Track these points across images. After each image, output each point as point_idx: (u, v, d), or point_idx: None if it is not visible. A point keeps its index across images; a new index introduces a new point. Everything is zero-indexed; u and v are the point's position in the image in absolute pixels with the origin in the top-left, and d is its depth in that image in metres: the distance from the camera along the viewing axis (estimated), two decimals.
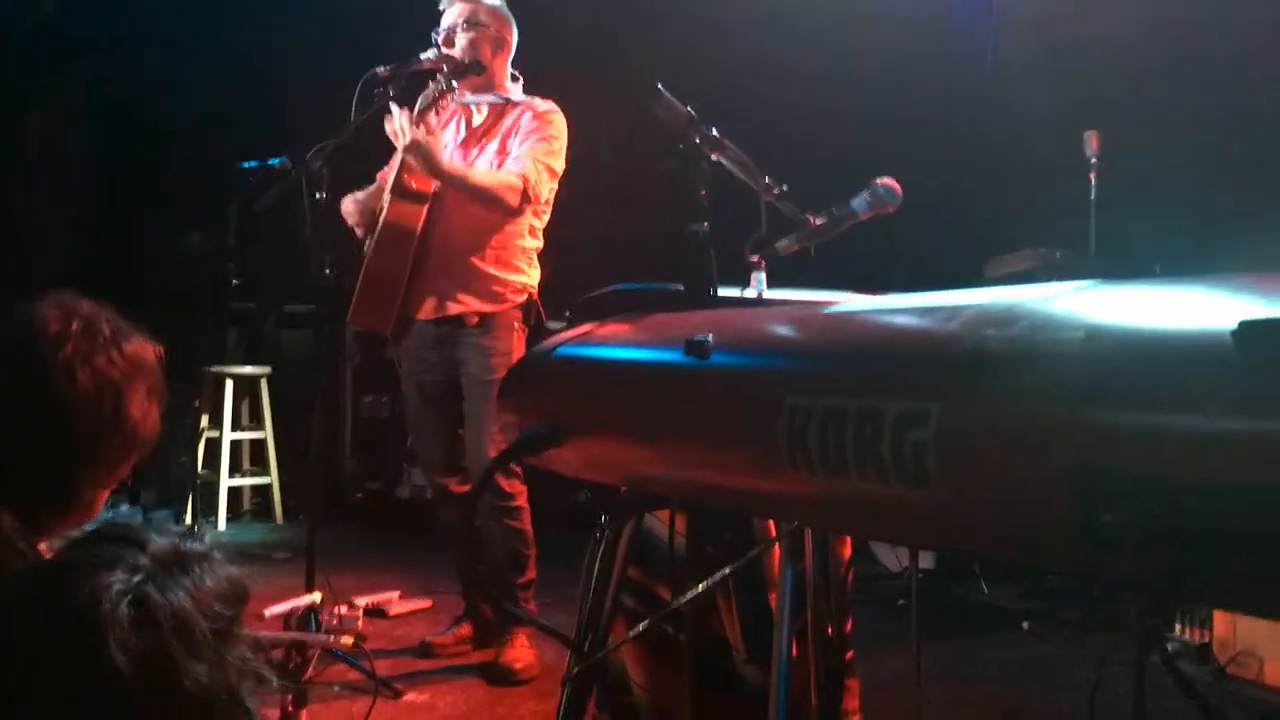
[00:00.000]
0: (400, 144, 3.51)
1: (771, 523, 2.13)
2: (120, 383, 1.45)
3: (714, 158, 2.16)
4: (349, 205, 3.75)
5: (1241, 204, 4.65)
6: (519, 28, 3.79)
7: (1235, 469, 0.80)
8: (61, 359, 1.42)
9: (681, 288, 2.06)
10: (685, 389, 1.38)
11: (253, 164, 4.03)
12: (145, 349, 1.50)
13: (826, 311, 1.30)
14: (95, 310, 1.47)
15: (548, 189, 3.65)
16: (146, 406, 1.49)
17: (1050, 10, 5.65)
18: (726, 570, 1.80)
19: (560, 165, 3.67)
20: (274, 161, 3.94)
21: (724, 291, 2.09)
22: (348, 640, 3.23)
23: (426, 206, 3.60)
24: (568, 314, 2.22)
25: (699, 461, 1.37)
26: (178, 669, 0.93)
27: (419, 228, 3.59)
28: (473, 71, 3.62)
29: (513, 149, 3.63)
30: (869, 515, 1.14)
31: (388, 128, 3.52)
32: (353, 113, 3.53)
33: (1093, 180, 4.35)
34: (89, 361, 1.43)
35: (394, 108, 3.49)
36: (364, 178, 3.83)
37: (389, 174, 3.68)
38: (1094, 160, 4.36)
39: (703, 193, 2.08)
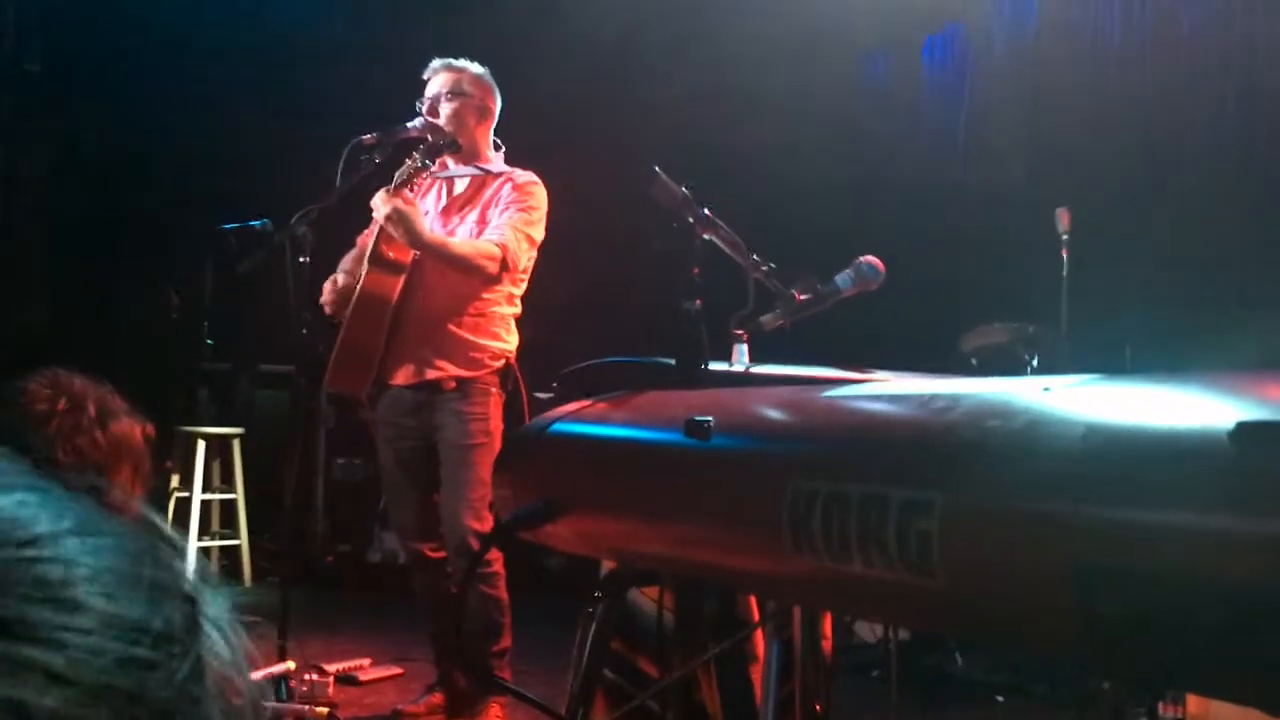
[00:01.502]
0: (379, 214, 3.53)
1: (754, 599, 2.14)
2: (101, 465, 1.42)
3: (706, 236, 2.21)
4: (328, 291, 3.73)
5: (1210, 281, 4.75)
6: (509, 99, 3.84)
7: (1231, 566, 0.82)
8: (43, 437, 1.40)
9: (671, 361, 2.09)
10: (685, 470, 1.40)
11: (233, 224, 4.05)
12: (132, 430, 1.46)
13: (826, 395, 1.33)
14: (85, 388, 1.45)
15: (526, 258, 3.68)
16: (128, 489, 1.46)
17: (1021, 90, 5.79)
18: (716, 650, 1.81)
19: (539, 235, 3.70)
20: (255, 223, 3.96)
21: (713, 366, 2.11)
22: (322, 710, 3.20)
23: (404, 277, 3.62)
24: (555, 385, 2.23)
25: (698, 541, 1.38)
26: None
27: (395, 297, 3.60)
28: (449, 150, 3.66)
29: (492, 219, 3.67)
30: (871, 599, 1.16)
31: (373, 202, 3.55)
32: (338, 179, 3.56)
33: (1064, 256, 4.43)
34: (71, 441, 1.41)
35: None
36: (347, 242, 3.85)
37: (369, 239, 3.70)
38: (1065, 237, 4.44)
39: (695, 270, 2.12)
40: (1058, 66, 5.62)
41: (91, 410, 1.44)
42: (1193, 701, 3.53)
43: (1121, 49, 5.38)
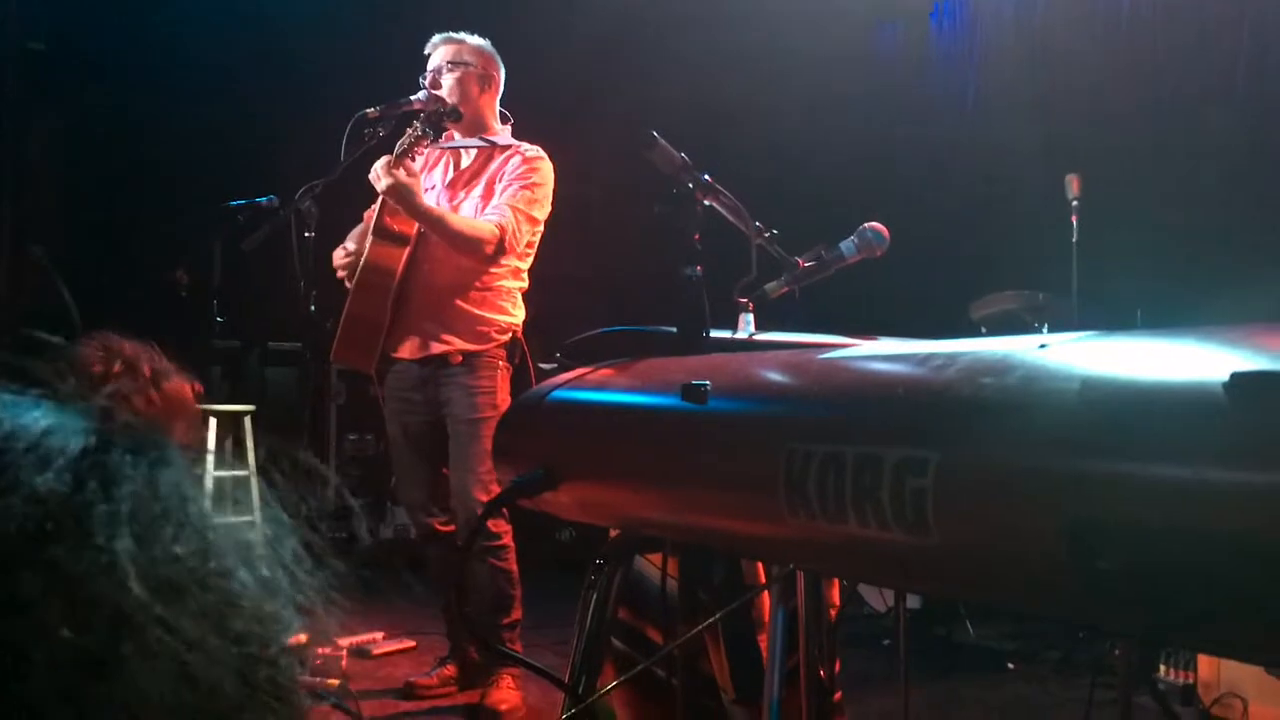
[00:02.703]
0: (379, 186, 3.53)
1: (761, 565, 2.14)
2: (157, 422, 1.44)
3: (706, 202, 2.19)
4: (339, 257, 3.73)
5: (1222, 247, 4.71)
6: (512, 72, 3.82)
7: (1226, 518, 0.81)
8: (100, 400, 1.40)
9: (673, 329, 2.07)
10: (683, 434, 1.40)
11: (240, 202, 4.04)
12: (184, 388, 1.50)
13: (822, 357, 1.32)
14: (137, 350, 1.48)
15: (527, 238, 3.67)
16: (184, 444, 1.47)
17: (1031, 54, 5.73)
18: (719, 615, 1.81)
19: (542, 213, 3.68)
20: (262, 200, 3.96)
21: (715, 334, 2.10)
22: (333, 682, 3.22)
23: (408, 249, 3.61)
24: (558, 355, 2.23)
25: (696, 505, 1.38)
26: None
27: (399, 270, 3.60)
28: (450, 119, 3.64)
29: (497, 193, 3.66)
30: (867, 560, 1.15)
31: (371, 175, 3.54)
32: (342, 153, 3.55)
33: (1074, 223, 4.40)
34: (129, 402, 1.43)
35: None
36: (353, 217, 3.85)
37: (374, 214, 3.69)
38: (1075, 203, 4.41)
39: (695, 237, 2.11)
40: (1067, 31, 5.56)
41: (146, 370, 1.47)
42: (1203, 667, 3.52)
43: (1131, 13, 5.33)
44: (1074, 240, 4.39)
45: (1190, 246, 4.77)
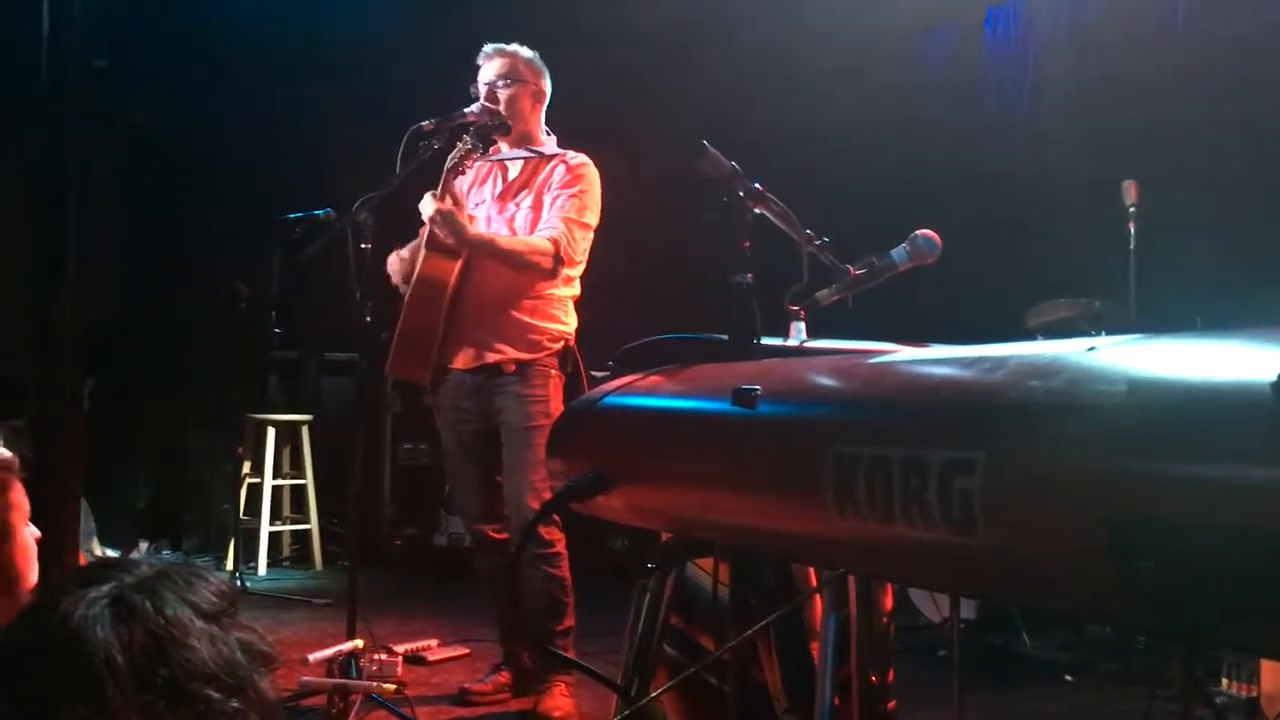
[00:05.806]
0: (425, 216, 3.59)
1: (813, 571, 2.14)
2: None
3: (756, 210, 2.20)
4: (393, 263, 3.81)
5: None
6: (561, 79, 3.87)
7: (1272, 518, 0.81)
8: None
9: (724, 337, 2.09)
10: (732, 438, 1.41)
11: (297, 214, 4.10)
12: None
13: (871, 362, 1.32)
14: None
15: (582, 247, 3.71)
16: None
17: (1087, 58, 5.67)
18: (769, 619, 1.81)
19: (593, 219, 3.72)
20: (319, 212, 4.01)
21: (766, 341, 2.11)
22: (389, 687, 3.25)
23: (460, 261, 3.66)
24: (611, 363, 2.25)
25: (746, 508, 1.39)
26: (168, 654, 0.93)
27: (452, 282, 3.65)
28: (499, 131, 3.70)
29: (546, 204, 3.70)
30: (914, 562, 1.16)
31: (420, 205, 3.62)
32: (398, 165, 3.61)
33: (1132, 230, 4.35)
34: None
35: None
36: (408, 229, 3.90)
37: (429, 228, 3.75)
38: (1133, 209, 4.36)
39: (745, 244, 2.12)
40: (1123, 33, 5.50)
41: None
42: (1266, 679, 3.46)
43: (1186, 13, 5.26)
44: (1131, 247, 4.34)
45: (1252, 252, 4.68)
